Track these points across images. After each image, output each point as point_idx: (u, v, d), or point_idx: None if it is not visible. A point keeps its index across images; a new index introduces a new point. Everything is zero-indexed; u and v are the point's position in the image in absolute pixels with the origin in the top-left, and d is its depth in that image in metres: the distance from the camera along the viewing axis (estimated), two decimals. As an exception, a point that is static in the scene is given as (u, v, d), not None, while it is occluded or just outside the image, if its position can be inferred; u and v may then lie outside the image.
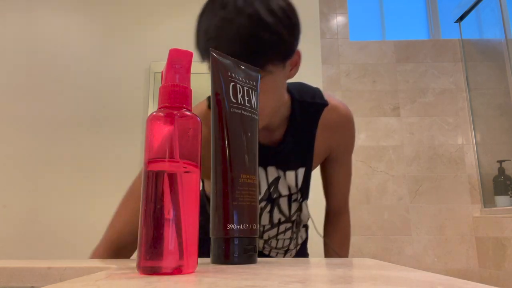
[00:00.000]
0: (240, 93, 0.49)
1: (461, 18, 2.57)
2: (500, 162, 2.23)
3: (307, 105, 0.77)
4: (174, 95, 0.37)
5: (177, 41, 2.12)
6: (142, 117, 2.05)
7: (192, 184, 0.36)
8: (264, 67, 0.61)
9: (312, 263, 0.46)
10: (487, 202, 2.29)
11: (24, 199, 1.94)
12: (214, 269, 0.39)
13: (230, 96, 0.48)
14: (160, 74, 0.40)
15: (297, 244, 0.87)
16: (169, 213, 0.35)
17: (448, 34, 2.63)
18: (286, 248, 0.85)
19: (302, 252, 0.93)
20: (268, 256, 0.84)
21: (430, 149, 2.40)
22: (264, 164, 0.76)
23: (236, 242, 0.45)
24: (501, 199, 2.19)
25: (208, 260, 0.48)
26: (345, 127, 0.82)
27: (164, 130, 0.36)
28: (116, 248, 0.71)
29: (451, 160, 2.38)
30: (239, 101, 0.49)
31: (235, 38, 0.59)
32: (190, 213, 0.35)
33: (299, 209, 0.82)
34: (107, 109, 2.05)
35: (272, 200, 0.78)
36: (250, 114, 0.50)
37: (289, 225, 0.82)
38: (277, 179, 0.77)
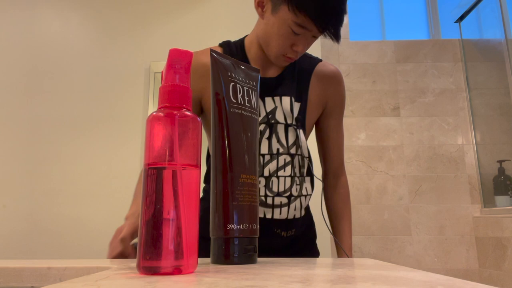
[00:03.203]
0: (240, 93, 0.49)
1: (461, 18, 2.57)
2: (500, 162, 2.23)
3: (304, 57, 0.92)
4: (174, 95, 0.37)
5: (177, 41, 2.12)
6: (142, 117, 2.05)
7: (192, 184, 0.36)
8: None
9: (312, 263, 0.46)
10: (487, 202, 2.29)
11: (24, 199, 1.94)
12: (214, 269, 0.39)
13: (230, 96, 0.48)
14: (160, 74, 0.40)
15: (300, 192, 0.85)
16: (169, 213, 0.35)
17: (448, 34, 2.63)
18: (288, 193, 0.83)
19: (308, 217, 0.92)
20: (272, 208, 0.81)
21: (430, 149, 2.40)
22: (262, 95, 0.84)
23: (236, 242, 0.45)
24: (501, 199, 2.19)
25: (208, 260, 0.48)
26: (336, 80, 0.94)
27: (164, 130, 0.36)
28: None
29: (451, 160, 2.38)
30: (239, 101, 0.49)
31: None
32: (190, 213, 0.35)
33: (297, 139, 0.84)
34: (107, 109, 2.05)
35: (270, 124, 0.83)
36: (250, 114, 0.50)
37: (288, 158, 0.83)
38: (274, 109, 0.84)
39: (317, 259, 0.54)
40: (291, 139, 0.84)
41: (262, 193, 0.81)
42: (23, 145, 2.00)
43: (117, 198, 1.95)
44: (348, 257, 0.92)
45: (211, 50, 0.50)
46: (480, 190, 2.32)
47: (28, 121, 2.03)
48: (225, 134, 0.47)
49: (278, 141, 0.83)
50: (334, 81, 0.93)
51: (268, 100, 0.84)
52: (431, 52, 2.52)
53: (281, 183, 0.82)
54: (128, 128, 2.03)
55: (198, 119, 0.38)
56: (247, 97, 0.50)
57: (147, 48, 2.12)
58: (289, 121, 0.84)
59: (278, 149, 0.83)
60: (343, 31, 2.61)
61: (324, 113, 0.94)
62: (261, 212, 0.81)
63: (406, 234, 2.30)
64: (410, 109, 2.45)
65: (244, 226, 0.45)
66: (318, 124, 0.96)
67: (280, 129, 0.83)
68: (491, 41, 2.43)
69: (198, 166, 0.37)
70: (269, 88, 0.85)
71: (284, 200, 0.82)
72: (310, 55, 0.95)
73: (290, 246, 0.87)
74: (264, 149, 0.82)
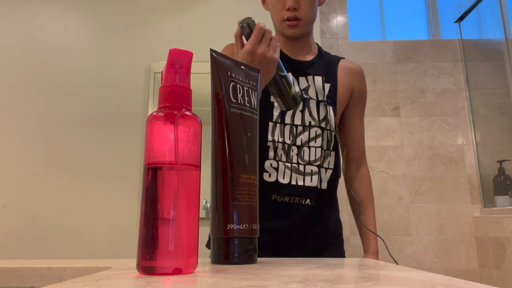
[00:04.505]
0: (240, 93, 0.49)
1: (461, 18, 2.57)
2: (500, 162, 2.23)
3: (329, 55, 1.04)
4: (174, 95, 0.37)
5: (177, 41, 2.12)
6: (142, 117, 2.05)
7: (192, 184, 0.36)
8: None
9: (312, 263, 0.46)
10: (487, 202, 2.29)
11: (24, 199, 1.94)
12: (214, 269, 0.39)
13: (230, 96, 0.48)
14: (160, 74, 0.40)
15: (328, 165, 0.91)
16: (169, 213, 0.35)
17: (448, 34, 2.63)
18: (318, 163, 0.89)
19: (332, 192, 0.94)
20: (304, 175, 0.87)
21: (430, 149, 2.40)
22: (296, 75, 0.93)
23: (236, 242, 0.45)
24: (501, 199, 2.19)
25: (208, 260, 0.48)
26: (360, 75, 1.03)
27: (164, 130, 0.36)
28: None
29: (451, 160, 2.38)
30: (239, 101, 0.49)
31: None
32: (190, 213, 0.35)
33: (327, 114, 0.92)
34: (107, 109, 2.05)
35: (304, 98, 0.91)
36: (250, 114, 0.50)
37: (319, 131, 0.91)
38: (307, 87, 0.93)
39: (317, 259, 0.54)
40: (322, 114, 0.92)
41: (294, 160, 0.88)
42: (23, 145, 2.00)
43: (117, 198, 1.95)
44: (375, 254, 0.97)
45: (211, 50, 0.50)
46: (480, 190, 2.32)
47: (27, 121, 2.03)
48: (225, 134, 0.47)
49: (310, 114, 0.91)
50: (359, 75, 1.03)
51: (302, 79, 0.93)
52: (431, 52, 2.52)
53: (311, 153, 0.89)
54: (128, 128, 2.03)
55: (198, 119, 0.38)
56: (247, 97, 0.50)
57: (147, 48, 2.12)
58: (320, 98, 0.92)
59: (310, 122, 0.90)
60: (343, 31, 2.62)
61: (350, 102, 1.02)
62: (293, 179, 0.87)
63: (406, 234, 2.30)
64: (410, 109, 2.45)
65: (244, 226, 0.45)
66: (343, 114, 1.02)
67: (312, 104, 0.91)
68: (491, 41, 2.43)
69: (198, 166, 0.38)
70: (302, 69, 0.94)
71: (315, 169, 0.89)
72: (334, 54, 1.07)
73: (315, 240, 0.90)
74: (297, 120, 0.90)
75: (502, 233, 2.02)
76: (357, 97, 1.02)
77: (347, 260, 0.52)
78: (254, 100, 0.51)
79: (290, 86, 0.75)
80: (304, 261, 0.49)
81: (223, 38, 2.12)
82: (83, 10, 2.17)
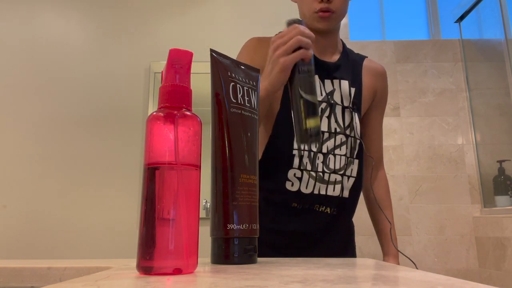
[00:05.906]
0: (240, 93, 0.49)
1: (461, 18, 2.57)
2: (500, 162, 2.23)
3: (354, 53, 1.00)
4: (174, 95, 0.37)
5: (177, 41, 2.13)
6: (142, 117, 2.05)
7: (192, 184, 0.36)
8: None
9: (312, 263, 0.46)
10: (487, 202, 2.29)
11: (24, 199, 1.94)
12: (214, 269, 0.39)
13: (230, 96, 0.48)
14: (160, 74, 0.40)
15: (351, 173, 0.90)
16: (169, 213, 0.35)
17: (448, 34, 2.63)
18: (342, 171, 0.87)
19: (353, 200, 0.93)
20: (327, 184, 0.85)
21: (430, 149, 2.40)
22: (321, 78, 0.89)
23: (236, 242, 0.45)
24: (501, 199, 2.19)
25: (208, 260, 0.48)
26: (384, 76, 1.02)
27: (164, 130, 0.36)
28: None
29: (451, 160, 2.38)
30: (239, 101, 0.49)
31: None
32: (190, 213, 0.35)
33: (352, 121, 0.90)
34: (107, 109, 2.05)
35: (330, 104, 0.88)
36: (250, 114, 0.50)
37: (344, 138, 0.88)
38: (332, 91, 0.89)
39: (317, 259, 0.54)
40: (347, 121, 0.89)
41: (320, 169, 0.85)
42: (23, 145, 2.00)
43: (117, 198, 1.95)
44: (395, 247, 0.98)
45: (211, 50, 0.50)
46: (480, 190, 2.32)
47: (28, 121, 2.03)
48: (225, 134, 0.47)
49: (336, 121, 0.88)
50: (382, 76, 1.01)
51: (327, 82, 0.90)
52: (431, 52, 2.52)
53: (337, 161, 0.87)
54: (128, 128, 2.03)
55: (198, 119, 0.38)
56: (247, 97, 0.50)
57: (147, 48, 2.12)
58: (345, 104, 0.90)
59: (335, 129, 0.88)
60: (343, 30, 2.61)
61: (372, 104, 1.00)
62: (316, 188, 0.85)
63: (406, 234, 2.30)
64: (410, 109, 2.45)
65: (244, 226, 0.45)
66: (364, 116, 1.00)
67: (338, 110, 0.89)
68: (491, 41, 2.43)
69: (198, 166, 0.37)
70: (328, 72, 0.91)
71: (338, 178, 0.87)
72: (358, 53, 1.04)
73: (328, 242, 0.89)
74: (324, 126, 0.87)
75: (502, 233, 2.02)
76: (379, 99, 1.01)
77: (347, 260, 0.52)
78: (254, 100, 0.51)
79: (307, 115, 0.59)
80: (304, 261, 0.49)
81: (223, 38, 2.11)
82: (83, 10, 2.17)
